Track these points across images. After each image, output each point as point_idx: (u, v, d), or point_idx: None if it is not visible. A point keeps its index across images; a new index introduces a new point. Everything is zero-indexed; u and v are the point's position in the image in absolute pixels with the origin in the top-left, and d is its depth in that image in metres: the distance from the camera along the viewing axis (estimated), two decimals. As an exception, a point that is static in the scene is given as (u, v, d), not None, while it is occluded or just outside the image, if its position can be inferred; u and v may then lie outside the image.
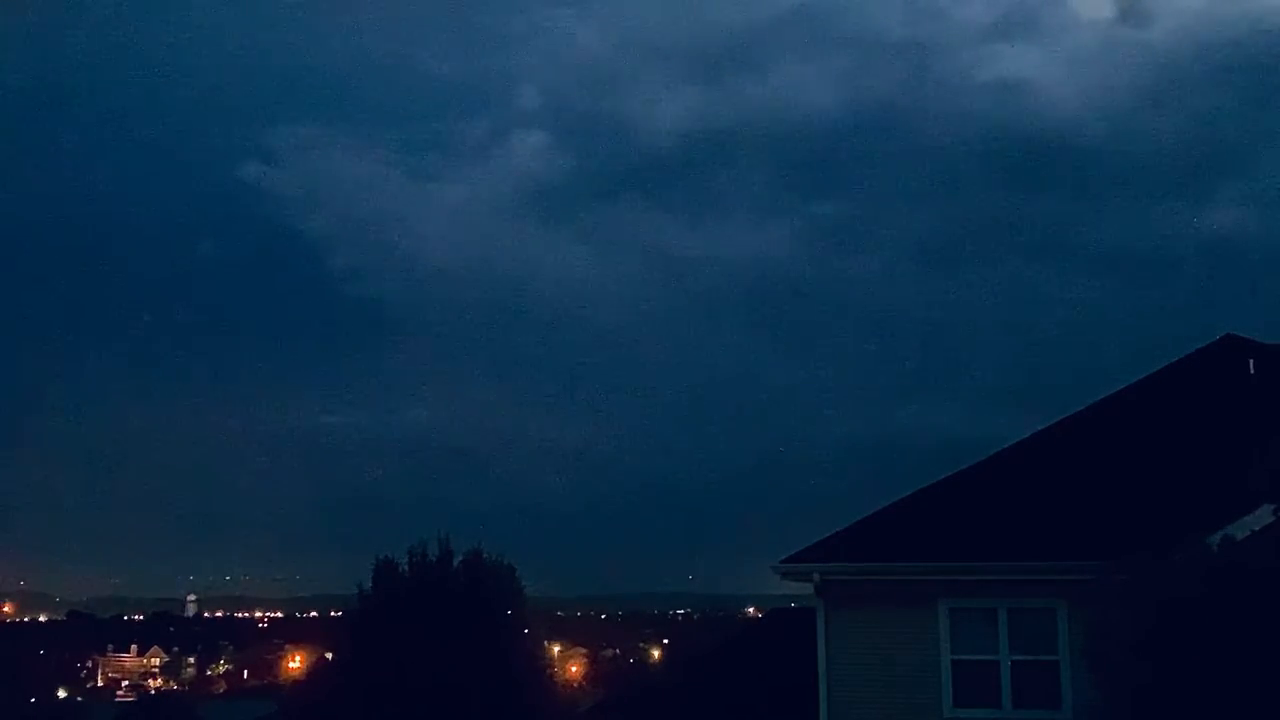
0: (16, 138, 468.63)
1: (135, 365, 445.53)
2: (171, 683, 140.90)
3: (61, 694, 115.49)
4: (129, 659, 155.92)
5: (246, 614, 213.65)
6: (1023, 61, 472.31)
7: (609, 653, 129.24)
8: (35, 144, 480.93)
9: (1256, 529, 15.92)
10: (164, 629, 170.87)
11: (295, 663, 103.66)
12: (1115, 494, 18.93)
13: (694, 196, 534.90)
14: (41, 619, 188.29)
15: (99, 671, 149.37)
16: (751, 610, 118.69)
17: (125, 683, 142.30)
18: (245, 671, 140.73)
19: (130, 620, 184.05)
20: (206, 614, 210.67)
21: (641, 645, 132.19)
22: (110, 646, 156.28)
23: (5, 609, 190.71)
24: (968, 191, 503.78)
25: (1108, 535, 17.57)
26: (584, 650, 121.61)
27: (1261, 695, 14.32)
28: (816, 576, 18.73)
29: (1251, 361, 21.08)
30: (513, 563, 32.46)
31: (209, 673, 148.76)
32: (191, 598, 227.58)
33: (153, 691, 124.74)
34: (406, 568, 31.08)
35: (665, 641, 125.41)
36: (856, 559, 19.01)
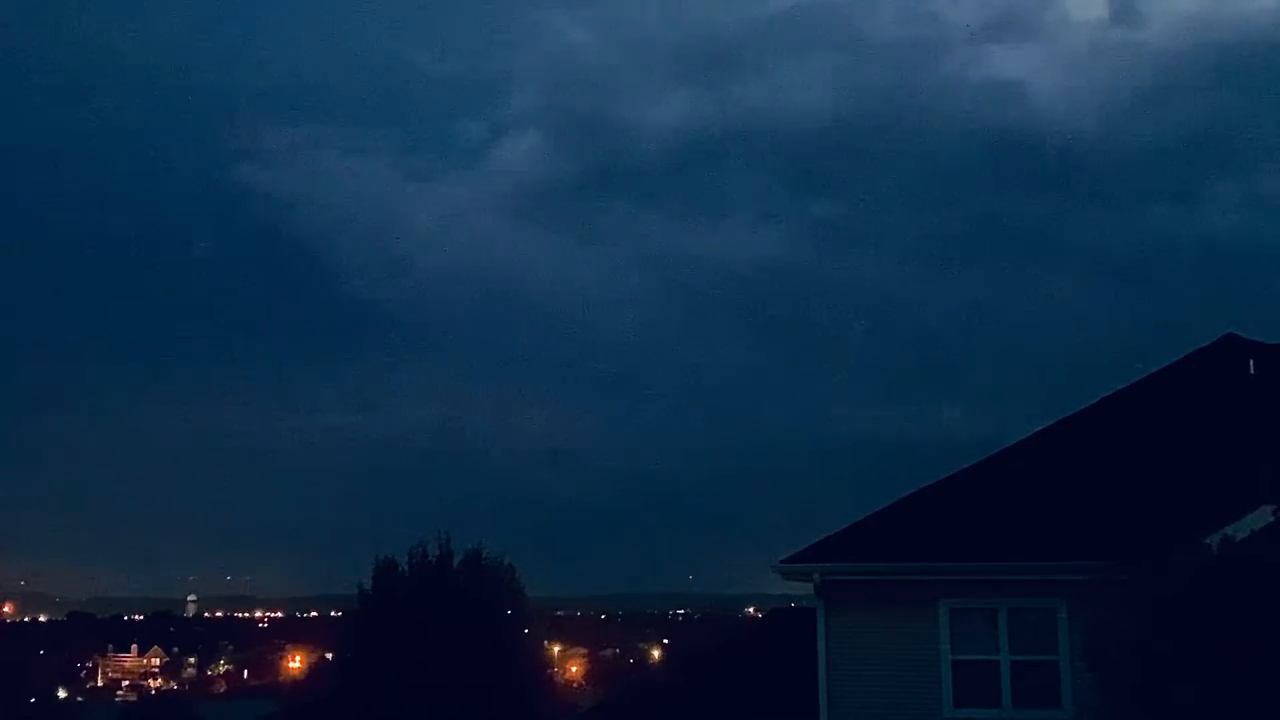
0: (13, 138, 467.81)
1: (134, 365, 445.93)
2: (171, 683, 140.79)
3: (61, 694, 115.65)
4: (129, 659, 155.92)
5: (246, 614, 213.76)
6: (1019, 62, 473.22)
7: (609, 653, 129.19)
8: (31, 144, 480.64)
9: (1256, 529, 15.94)
10: (164, 629, 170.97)
11: (295, 663, 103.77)
12: (1115, 494, 18.92)
13: (691, 197, 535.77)
14: (41, 619, 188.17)
15: (99, 671, 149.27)
16: (751, 610, 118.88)
17: (125, 683, 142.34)
18: (245, 671, 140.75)
19: (130, 620, 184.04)
20: (206, 614, 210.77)
21: (641, 645, 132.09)
22: (110, 646, 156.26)
23: (5, 609, 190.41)
24: (965, 192, 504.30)
25: (1108, 535, 17.59)
26: (584, 650, 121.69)
27: (1261, 693, 14.33)
28: (817, 576, 18.72)
29: (1251, 361, 21.08)
30: (513, 562, 32.56)
31: (209, 673, 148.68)
32: (191, 598, 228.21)
33: (153, 691, 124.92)
34: (406, 568, 31.13)
35: (665, 641, 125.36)
36: (857, 559, 19.00)
